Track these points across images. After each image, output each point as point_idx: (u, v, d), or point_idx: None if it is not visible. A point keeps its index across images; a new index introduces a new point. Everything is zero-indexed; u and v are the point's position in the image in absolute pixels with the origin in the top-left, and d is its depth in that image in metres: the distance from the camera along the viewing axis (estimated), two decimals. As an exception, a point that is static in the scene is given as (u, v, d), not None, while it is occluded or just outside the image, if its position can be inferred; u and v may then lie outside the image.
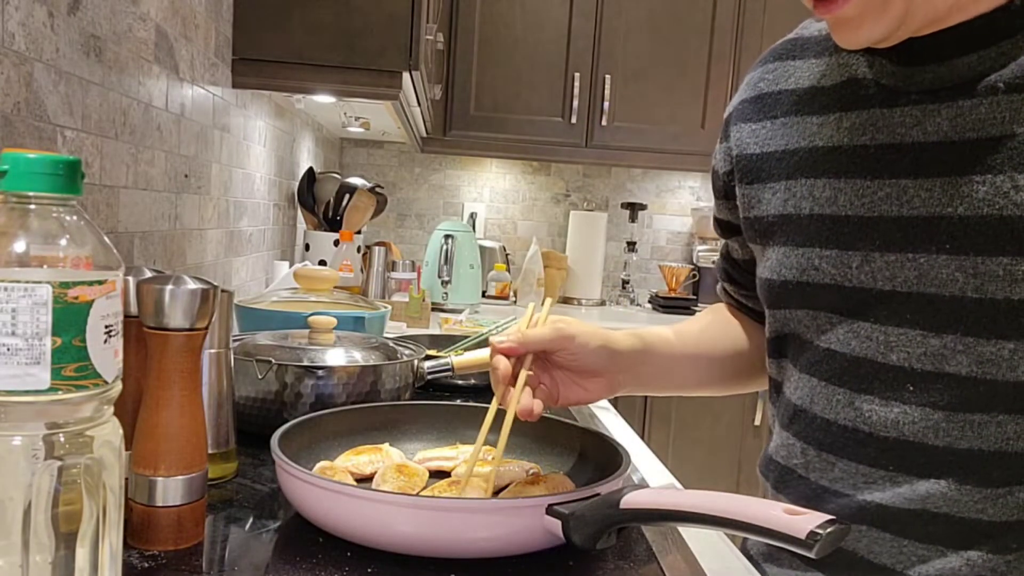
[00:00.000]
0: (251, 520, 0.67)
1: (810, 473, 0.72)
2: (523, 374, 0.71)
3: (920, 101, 0.65)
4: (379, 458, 0.75)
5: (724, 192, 0.84)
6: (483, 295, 2.64)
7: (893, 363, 0.65)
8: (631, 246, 3.02)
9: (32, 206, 0.44)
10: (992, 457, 0.62)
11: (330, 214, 2.28)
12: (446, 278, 2.38)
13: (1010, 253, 0.59)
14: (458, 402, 0.92)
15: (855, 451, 0.68)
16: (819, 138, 0.71)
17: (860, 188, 0.67)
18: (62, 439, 0.44)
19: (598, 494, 0.60)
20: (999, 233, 0.59)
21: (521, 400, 0.70)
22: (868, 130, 0.67)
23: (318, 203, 2.28)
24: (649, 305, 2.97)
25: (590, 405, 1.24)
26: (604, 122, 2.67)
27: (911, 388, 0.64)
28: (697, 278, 2.92)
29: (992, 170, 0.60)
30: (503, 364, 0.71)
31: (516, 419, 0.69)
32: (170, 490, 0.59)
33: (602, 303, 2.99)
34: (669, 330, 0.87)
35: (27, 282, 0.42)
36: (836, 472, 0.69)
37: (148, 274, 0.63)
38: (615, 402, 2.24)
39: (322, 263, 2.16)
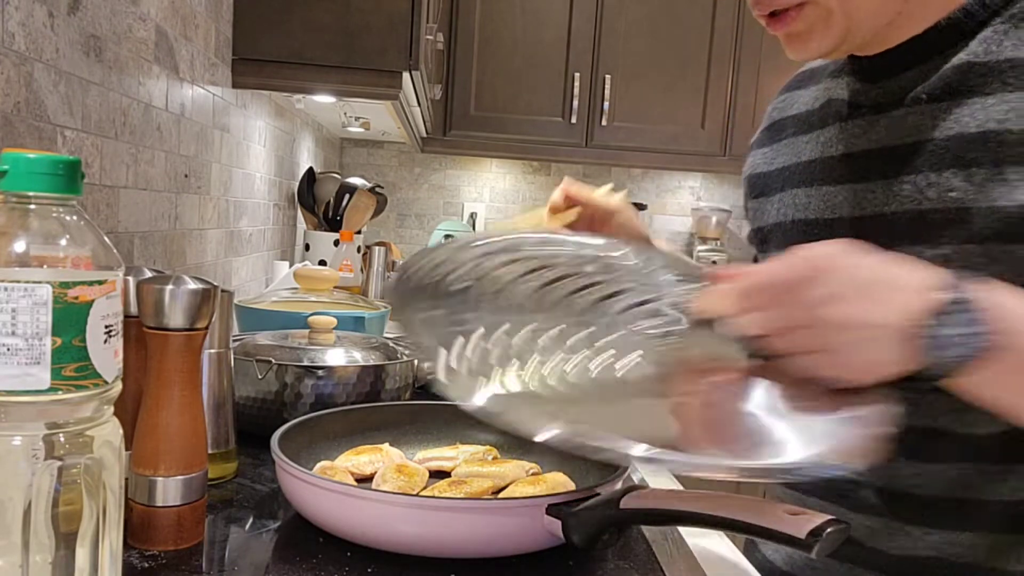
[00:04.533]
0: (251, 520, 0.67)
1: None
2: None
3: (868, 114, 0.72)
4: (379, 458, 0.75)
5: (746, 211, 0.94)
6: (483, 295, 2.64)
7: None
8: (631, 246, 3.01)
9: (32, 206, 0.44)
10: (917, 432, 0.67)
11: (330, 214, 2.28)
12: (446, 278, 2.37)
13: (924, 242, 0.65)
14: (458, 402, 0.92)
15: None
16: (804, 153, 0.78)
17: (825, 194, 0.74)
18: (62, 439, 0.44)
19: (598, 494, 0.60)
20: (918, 225, 0.66)
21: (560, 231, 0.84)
22: (833, 142, 0.75)
23: (318, 203, 2.27)
24: (649, 305, 2.97)
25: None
26: (604, 122, 2.66)
27: None
28: (697, 278, 2.91)
29: (915, 170, 0.66)
30: (556, 199, 0.88)
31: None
32: (170, 490, 0.59)
33: (602, 303, 2.98)
34: None
35: (27, 282, 0.42)
36: None
37: (148, 274, 0.63)
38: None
39: (322, 263, 2.16)
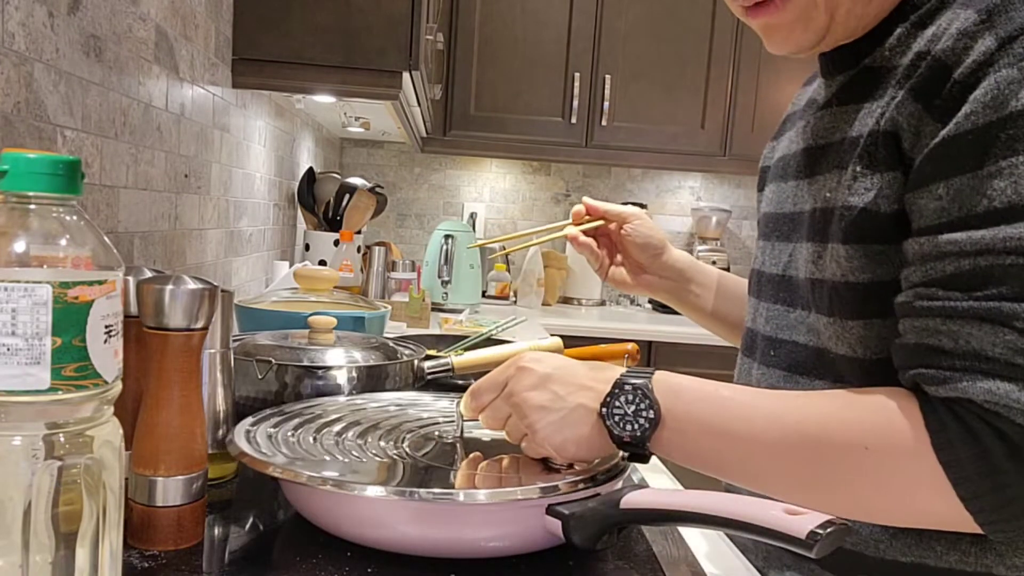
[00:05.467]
0: (251, 520, 0.67)
1: None
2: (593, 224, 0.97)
3: (814, 112, 0.74)
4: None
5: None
6: (483, 295, 2.64)
7: (764, 332, 0.77)
8: (631, 246, 3.01)
9: (32, 206, 0.44)
10: None
11: (330, 214, 2.28)
12: (446, 278, 2.38)
13: (814, 240, 0.68)
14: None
15: None
16: (784, 149, 0.81)
17: (779, 189, 0.79)
18: (62, 439, 0.44)
19: (598, 494, 0.60)
20: (808, 224, 0.70)
21: (580, 235, 0.96)
22: (794, 140, 0.78)
23: (318, 203, 2.27)
24: (649, 305, 2.97)
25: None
26: (604, 122, 2.66)
27: (772, 353, 0.75)
28: (697, 278, 2.91)
29: (823, 171, 0.70)
30: (579, 209, 0.97)
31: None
32: (170, 490, 0.59)
33: (602, 303, 2.98)
34: (717, 272, 1.03)
35: (27, 282, 0.42)
36: None
37: (148, 274, 0.63)
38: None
39: (322, 263, 2.16)
